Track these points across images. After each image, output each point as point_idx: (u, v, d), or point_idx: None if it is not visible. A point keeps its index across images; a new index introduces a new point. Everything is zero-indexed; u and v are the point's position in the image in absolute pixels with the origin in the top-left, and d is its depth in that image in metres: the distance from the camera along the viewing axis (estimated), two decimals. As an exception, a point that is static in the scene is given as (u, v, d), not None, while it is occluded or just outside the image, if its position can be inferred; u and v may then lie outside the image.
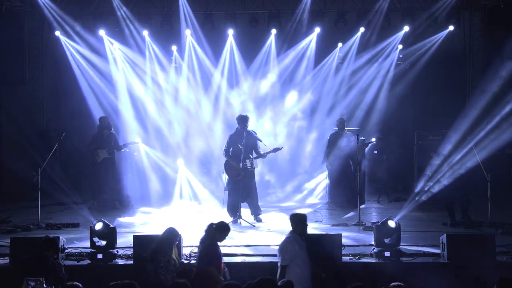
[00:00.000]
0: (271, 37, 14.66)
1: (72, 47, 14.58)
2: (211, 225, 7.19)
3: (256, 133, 11.10)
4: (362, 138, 12.28)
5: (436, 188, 10.47)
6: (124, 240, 8.63)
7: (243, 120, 10.80)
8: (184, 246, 8.16)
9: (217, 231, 7.11)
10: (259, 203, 11.06)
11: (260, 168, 11.83)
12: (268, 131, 13.72)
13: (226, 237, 7.29)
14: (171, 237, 7.26)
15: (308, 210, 12.18)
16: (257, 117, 13.74)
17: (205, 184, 13.37)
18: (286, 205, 12.99)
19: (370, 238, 8.55)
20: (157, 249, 7.12)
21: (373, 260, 7.97)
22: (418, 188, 10.90)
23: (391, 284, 5.52)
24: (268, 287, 5.25)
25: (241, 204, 10.81)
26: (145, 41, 14.66)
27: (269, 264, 7.84)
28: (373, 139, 12.74)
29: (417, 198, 10.95)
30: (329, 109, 14.83)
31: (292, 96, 14.69)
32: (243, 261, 8.02)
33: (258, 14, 14.69)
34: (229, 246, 8.63)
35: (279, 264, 6.80)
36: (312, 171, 14.02)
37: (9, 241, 8.02)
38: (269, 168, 13.74)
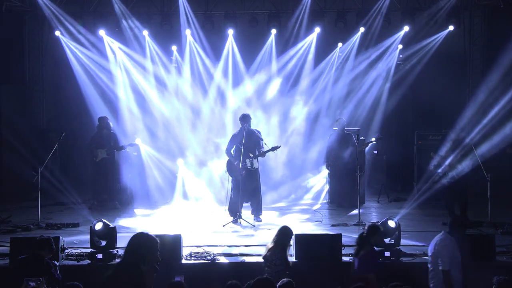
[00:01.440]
0: (271, 37, 14.67)
1: (72, 47, 14.59)
2: (362, 233, 7.00)
3: (260, 133, 11.12)
4: (362, 138, 12.29)
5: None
6: (124, 240, 8.61)
7: (244, 119, 10.84)
8: (184, 246, 8.17)
9: (370, 235, 6.89)
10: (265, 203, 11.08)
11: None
12: (267, 130, 13.69)
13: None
14: (283, 236, 7.16)
15: (308, 210, 12.25)
16: (255, 116, 13.70)
17: (206, 184, 13.37)
18: (285, 205, 13.01)
19: (370, 238, 8.55)
20: (271, 248, 7.06)
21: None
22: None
23: (391, 284, 5.52)
24: (266, 286, 5.25)
25: (244, 203, 10.83)
26: (145, 41, 14.66)
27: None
28: (373, 139, 12.73)
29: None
30: (329, 109, 14.84)
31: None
32: (243, 261, 8.03)
33: (258, 14, 14.70)
34: (229, 246, 8.66)
35: (440, 268, 6.53)
36: (311, 171, 14.01)
37: (9, 241, 8.02)
38: (269, 168, 13.72)
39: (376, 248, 7.89)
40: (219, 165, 12.94)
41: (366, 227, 7.08)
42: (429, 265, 6.80)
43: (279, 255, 6.99)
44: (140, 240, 4.56)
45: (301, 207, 12.70)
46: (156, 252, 4.53)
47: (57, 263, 7.08)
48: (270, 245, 7.18)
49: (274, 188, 13.65)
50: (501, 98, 12.29)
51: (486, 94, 12.63)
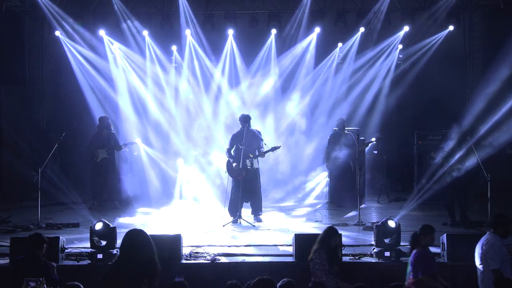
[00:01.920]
0: (271, 37, 14.66)
1: (72, 47, 14.59)
2: (414, 233, 6.84)
3: (260, 133, 11.13)
4: (362, 138, 12.29)
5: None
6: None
7: (244, 119, 10.84)
8: (184, 246, 8.17)
9: (422, 235, 6.72)
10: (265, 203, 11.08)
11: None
12: (267, 130, 13.70)
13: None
14: (326, 236, 6.98)
15: (308, 210, 12.26)
16: (256, 116, 13.70)
17: (210, 182, 13.35)
18: (285, 205, 13.02)
19: (370, 238, 8.56)
20: (316, 249, 6.93)
21: (373, 260, 7.97)
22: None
23: (390, 284, 5.52)
24: (266, 287, 5.24)
25: (244, 203, 10.83)
26: (145, 41, 14.66)
27: (269, 264, 7.86)
28: (373, 139, 12.73)
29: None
30: (329, 109, 14.84)
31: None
32: (243, 261, 8.02)
33: (258, 14, 14.70)
34: (229, 246, 8.66)
35: (491, 268, 6.47)
36: (310, 170, 14.01)
37: (9, 241, 8.02)
38: (269, 168, 13.72)
39: (378, 248, 7.94)
40: (220, 159, 12.92)
41: (421, 227, 6.89)
42: (479, 268, 6.70)
43: (324, 255, 6.84)
44: (135, 237, 4.56)
45: (301, 207, 12.70)
46: (151, 247, 4.53)
47: (55, 264, 7.02)
48: (315, 246, 7.03)
49: (274, 188, 13.65)
50: (502, 97, 12.28)
51: (486, 93, 12.62)
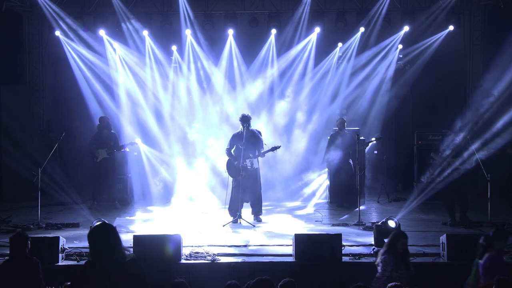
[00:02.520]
0: (271, 37, 14.67)
1: (72, 47, 14.59)
2: (487, 237, 6.62)
3: (260, 133, 11.13)
4: (362, 138, 12.29)
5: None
6: (124, 240, 8.58)
7: (244, 119, 10.84)
8: (184, 246, 8.17)
9: (496, 239, 6.53)
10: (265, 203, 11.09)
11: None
12: (267, 130, 13.70)
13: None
14: (393, 238, 6.81)
15: (308, 210, 12.26)
16: (255, 116, 13.71)
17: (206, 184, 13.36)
18: (285, 205, 13.01)
19: (370, 238, 8.56)
20: (384, 252, 6.74)
21: (373, 260, 7.96)
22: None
23: (389, 284, 5.52)
24: (266, 287, 5.24)
25: (244, 203, 10.84)
26: (145, 41, 14.67)
27: (269, 264, 7.86)
28: (373, 139, 12.74)
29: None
30: (329, 109, 14.85)
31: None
32: (243, 261, 8.02)
33: (258, 14, 14.70)
34: (229, 246, 8.66)
35: None
36: (309, 171, 14.02)
37: (9, 241, 8.01)
38: (269, 167, 13.73)
39: (378, 248, 7.92)
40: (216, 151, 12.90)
41: (493, 230, 6.72)
42: None
43: (391, 261, 6.66)
44: (101, 232, 4.55)
45: (301, 207, 12.67)
46: (116, 234, 4.51)
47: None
48: (382, 250, 6.92)
49: (274, 188, 13.65)
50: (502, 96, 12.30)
51: (487, 92, 12.64)
